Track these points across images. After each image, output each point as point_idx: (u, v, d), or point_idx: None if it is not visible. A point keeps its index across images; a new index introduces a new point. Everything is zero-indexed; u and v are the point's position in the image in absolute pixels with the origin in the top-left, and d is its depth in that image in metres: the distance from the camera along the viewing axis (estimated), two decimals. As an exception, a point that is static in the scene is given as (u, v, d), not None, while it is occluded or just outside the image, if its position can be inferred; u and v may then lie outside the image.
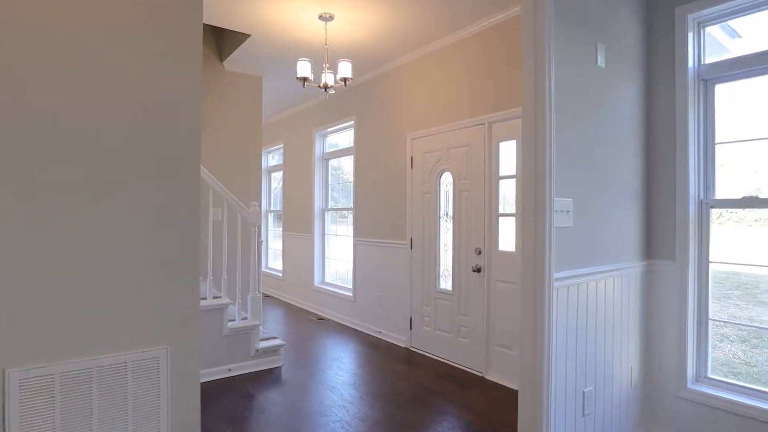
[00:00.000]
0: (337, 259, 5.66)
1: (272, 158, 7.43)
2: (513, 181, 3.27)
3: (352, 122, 5.05)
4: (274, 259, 7.30)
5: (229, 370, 3.50)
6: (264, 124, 7.24)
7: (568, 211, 1.95)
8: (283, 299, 6.55)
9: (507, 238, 3.34)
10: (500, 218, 3.36)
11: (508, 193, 3.35)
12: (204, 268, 3.58)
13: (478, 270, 3.45)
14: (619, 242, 2.22)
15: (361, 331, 4.78)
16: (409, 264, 4.14)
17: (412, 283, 4.12)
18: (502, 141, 3.35)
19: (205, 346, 3.41)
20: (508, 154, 3.33)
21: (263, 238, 7.33)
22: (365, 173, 4.80)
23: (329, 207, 5.81)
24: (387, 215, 4.46)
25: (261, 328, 3.84)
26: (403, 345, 4.23)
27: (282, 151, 6.81)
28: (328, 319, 5.33)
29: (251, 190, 4.65)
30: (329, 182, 5.82)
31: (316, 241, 5.79)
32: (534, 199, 1.87)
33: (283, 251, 6.65)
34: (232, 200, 3.57)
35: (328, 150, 5.77)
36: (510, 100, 3.23)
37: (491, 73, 3.38)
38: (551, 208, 1.85)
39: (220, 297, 3.54)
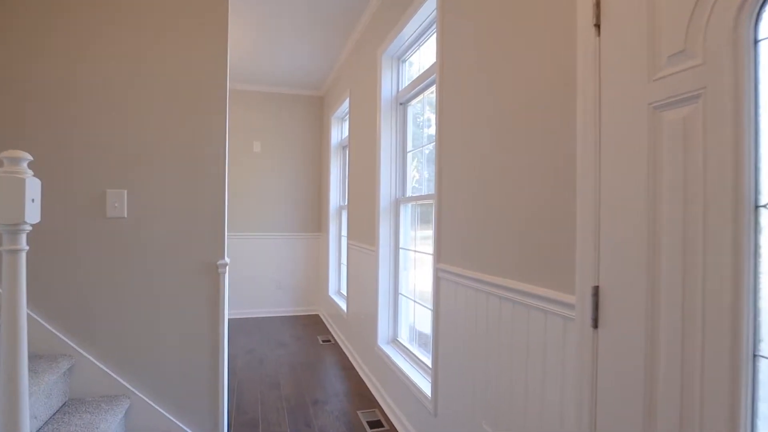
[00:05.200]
0: (420, 299, 2.83)
1: (347, 127, 4.92)
2: None
3: (435, -5, 2.19)
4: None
5: None
6: (330, 78, 4.76)
7: None
8: (345, 351, 3.95)
9: None
10: None
11: None
12: None
13: None
14: None
15: (445, 502, 1.89)
16: (589, 373, 1.13)
17: (599, 453, 1.10)
18: None
19: None
20: None
21: (332, 246, 4.86)
22: (458, 112, 1.89)
23: (407, 196, 3.01)
24: (513, 207, 1.50)
25: None
26: None
27: (348, 106, 4.24)
28: (392, 429, 2.54)
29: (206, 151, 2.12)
30: (408, 147, 3.03)
31: (382, 260, 3.05)
32: None
33: (348, 273, 4.06)
34: None
35: (405, 85, 2.99)
36: None
37: None
38: None
39: None
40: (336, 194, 5.01)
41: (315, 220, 5.49)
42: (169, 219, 2.05)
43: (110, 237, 1.98)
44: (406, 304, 2.98)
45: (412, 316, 2.93)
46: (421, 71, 2.71)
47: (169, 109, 2.06)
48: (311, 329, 4.70)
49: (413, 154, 2.96)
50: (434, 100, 2.29)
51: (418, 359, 2.58)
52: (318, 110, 5.50)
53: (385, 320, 3.04)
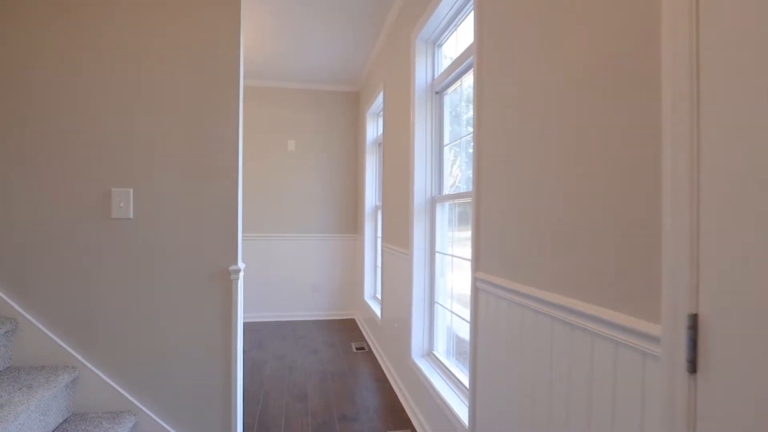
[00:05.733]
0: (461, 305, 2.54)
1: (382, 123, 4.68)
2: None
3: (473, -38, 1.90)
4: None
5: None
6: (365, 72, 4.53)
7: None
8: (378, 360, 3.71)
9: None
10: None
11: None
12: None
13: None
14: None
15: None
16: (673, 439, 0.82)
17: None
18: None
19: None
20: None
21: (367, 248, 4.65)
22: (501, 93, 1.59)
23: (443, 194, 2.73)
24: (570, 206, 1.19)
25: None
26: None
27: (382, 101, 3.99)
28: (425, 455, 2.27)
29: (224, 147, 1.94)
30: (445, 139, 2.74)
31: (416, 265, 2.78)
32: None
33: (382, 278, 3.82)
34: None
35: (441, 71, 2.70)
36: None
37: None
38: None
39: None
40: (372, 194, 4.79)
41: (351, 220, 5.29)
42: (178, 220, 1.88)
43: (115, 239, 1.83)
44: (443, 314, 2.70)
45: (449, 327, 2.64)
46: (459, 55, 2.41)
47: (178, 103, 1.88)
48: (346, 335, 4.50)
49: (455, 152, 2.67)
50: (472, 84, 1.99)
51: (456, 378, 2.29)
52: (354, 107, 5.30)
53: (420, 331, 2.77)
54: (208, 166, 1.90)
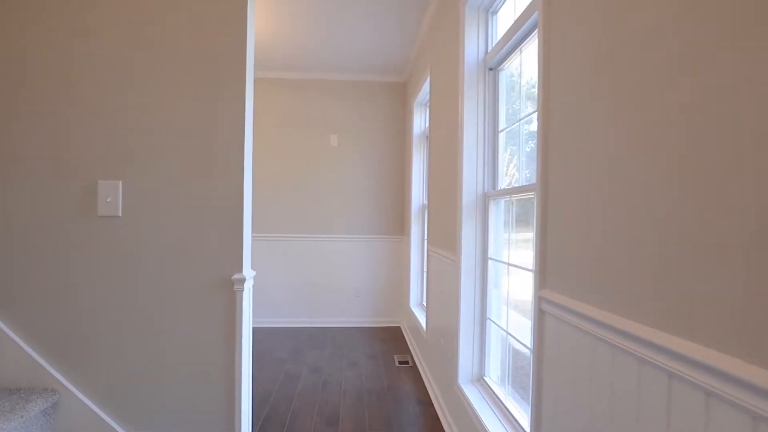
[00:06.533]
0: (520, 318, 2.08)
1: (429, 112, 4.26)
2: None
3: None
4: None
5: None
6: (412, 59, 4.13)
7: None
8: (423, 377, 3.30)
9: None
10: None
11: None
12: None
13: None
14: None
15: None
16: None
17: None
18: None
19: None
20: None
21: (413, 251, 4.27)
22: (583, 39, 1.15)
23: (498, 189, 2.28)
24: (720, 200, 0.74)
25: None
26: None
27: (429, 88, 3.58)
28: None
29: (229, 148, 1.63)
30: (499, 124, 2.29)
31: (465, 274, 2.34)
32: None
33: (427, 286, 3.41)
34: None
35: (495, 42, 2.25)
36: None
37: None
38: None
39: None
40: (418, 191, 4.38)
41: (398, 221, 4.91)
42: (173, 221, 1.58)
43: (101, 240, 1.56)
44: (497, 332, 2.25)
45: (504, 339, 2.19)
46: (520, 14, 1.96)
47: (176, 85, 1.59)
48: (389, 346, 4.12)
49: (511, 151, 2.22)
50: (537, 45, 1.55)
51: (512, 416, 1.84)
52: (401, 98, 4.92)
53: (468, 351, 2.33)
54: (210, 161, 1.60)
